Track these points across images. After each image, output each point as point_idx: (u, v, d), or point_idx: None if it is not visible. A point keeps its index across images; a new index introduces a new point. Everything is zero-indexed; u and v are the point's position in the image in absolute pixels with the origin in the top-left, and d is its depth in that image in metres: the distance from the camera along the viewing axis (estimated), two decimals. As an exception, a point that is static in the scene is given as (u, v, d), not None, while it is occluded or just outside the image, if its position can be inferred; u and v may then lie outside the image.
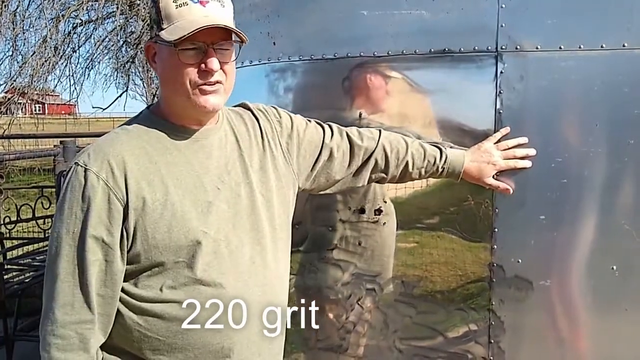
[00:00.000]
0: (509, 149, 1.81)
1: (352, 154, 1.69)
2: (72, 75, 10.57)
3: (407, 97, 2.03)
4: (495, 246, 1.94)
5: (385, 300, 2.09)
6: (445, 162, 1.76)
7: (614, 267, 1.86)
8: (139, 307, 1.37)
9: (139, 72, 15.38)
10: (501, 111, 1.90)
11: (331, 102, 2.07)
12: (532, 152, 1.78)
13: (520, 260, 1.93)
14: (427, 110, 2.01)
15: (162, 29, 1.34)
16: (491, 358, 1.99)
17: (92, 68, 11.55)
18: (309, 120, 1.69)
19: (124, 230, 1.32)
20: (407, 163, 1.73)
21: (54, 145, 4.78)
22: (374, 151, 1.70)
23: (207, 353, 1.39)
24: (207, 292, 1.37)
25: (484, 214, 1.94)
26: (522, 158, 1.83)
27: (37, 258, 4.43)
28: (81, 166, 1.31)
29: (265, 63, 2.17)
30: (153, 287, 1.36)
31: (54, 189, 4.50)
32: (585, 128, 1.87)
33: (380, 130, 1.76)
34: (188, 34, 1.31)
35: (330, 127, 1.71)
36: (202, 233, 1.36)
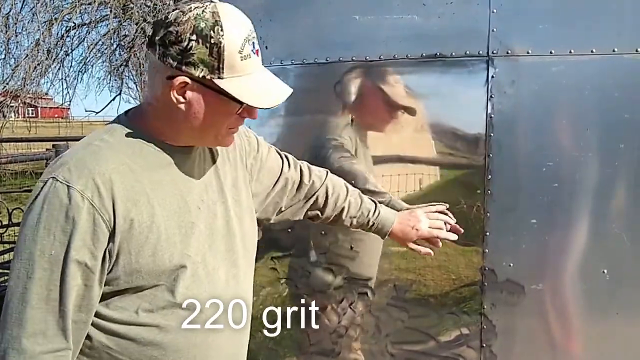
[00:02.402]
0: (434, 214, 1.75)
1: (299, 189, 1.67)
2: (65, 79, 10.54)
3: (398, 102, 2.03)
4: (487, 250, 1.94)
5: (378, 304, 2.09)
6: (376, 218, 1.70)
7: (605, 271, 1.87)
8: (109, 329, 1.29)
9: (133, 76, 15.36)
10: (492, 115, 1.91)
11: (323, 107, 2.08)
12: (452, 221, 1.73)
13: (511, 264, 1.93)
14: (419, 114, 2.01)
15: (221, 77, 1.24)
16: (483, 362, 2.00)
17: (85, 72, 11.51)
18: (270, 146, 1.66)
19: (107, 252, 1.23)
20: (342, 209, 1.70)
21: (46, 149, 4.75)
22: (317, 190, 1.67)
23: None
24: (184, 316, 1.33)
25: (476, 218, 1.94)
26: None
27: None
28: (62, 182, 1.18)
29: (257, 67, 2.17)
30: (127, 309, 1.29)
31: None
32: (576, 132, 1.88)
33: (327, 172, 1.72)
34: (269, 107, 1.30)
35: (288, 158, 1.67)
36: (186, 256, 1.31)
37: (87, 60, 11.04)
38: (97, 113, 14.75)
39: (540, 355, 1.95)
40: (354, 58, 2.01)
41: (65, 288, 1.19)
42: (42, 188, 1.20)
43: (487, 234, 1.94)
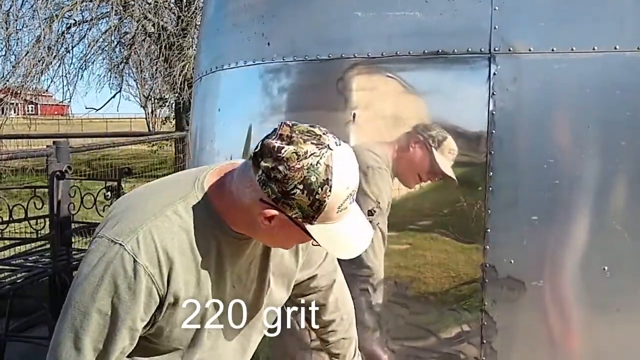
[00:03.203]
0: None
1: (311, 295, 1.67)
2: (66, 76, 10.54)
3: (400, 98, 2.04)
4: (488, 247, 1.95)
5: (378, 301, 2.09)
6: None
7: (606, 268, 1.87)
8: None
9: (133, 73, 15.39)
10: (494, 112, 1.91)
11: (325, 103, 2.08)
12: None
13: (512, 261, 1.93)
14: (420, 111, 2.02)
15: (312, 222, 1.23)
16: (483, 358, 2.00)
17: (85, 69, 11.51)
18: (335, 270, 1.66)
19: (152, 317, 1.32)
20: (327, 341, 1.73)
21: (47, 146, 4.75)
22: (327, 312, 1.68)
23: None
24: None
25: (477, 215, 1.94)
26: None
27: (30, 259, 4.41)
28: (129, 254, 1.24)
29: (259, 63, 2.18)
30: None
31: (46, 189, 4.48)
32: (578, 129, 1.89)
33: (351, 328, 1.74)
34: (340, 256, 1.32)
35: (333, 285, 1.66)
36: (207, 332, 1.39)
37: (88, 58, 11.04)
38: (97, 110, 14.81)
39: (540, 352, 1.95)
40: (355, 55, 2.02)
41: (113, 347, 1.29)
42: (108, 249, 1.26)
43: (488, 230, 1.94)
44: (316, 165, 1.17)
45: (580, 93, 1.88)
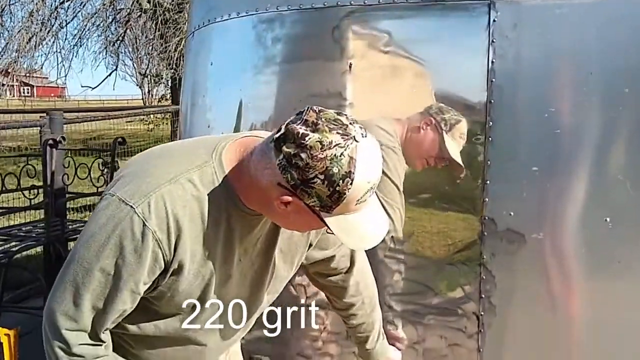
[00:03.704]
0: None
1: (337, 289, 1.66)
2: (60, 52, 10.41)
3: (397, 47, 1.98)
4: (487, 199, 1.90)
5: (375, 257, 2.05)
6: (369, 350, 1.78)
7: (607, 219, 1.83)
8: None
9: (129, 52, 15.25)
10: (494, 60, 1.86)
11: (320, 53, 2.03)
12: None
13: (512, 213, 1.89)
14: (418, 60, 1.96)
15: (329, 212, 1.19)
16: (482, 313, 1.96)
17: (81, 45, 11.38)
18: (354, 252, 1.63)
19: (155, 281, 1.30)
20: (355, 323, 1.73)
21: (40, 116, 4.69)
22: (348, 295, 1.68)
23: None
24: (184, 342, 1.43)
25: (476, 166, 1.90)
26: None
27: (23, 229, 4.37)
28: (139, 217, 1.21)
29: (252, 14, 2.11)
30: (133, 320, 1.38)
31: (39, 157, 4.42)
32: (580, 77, 1.83)
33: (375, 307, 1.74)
34: (354, 248, 1.33)
35: (352, 265, 1.64)
36: (211, 305, 1.38)
37: (82, 34, 10.92)
38: (93, 89, 14.67)
39: (540, 305, 1.92)
40: (352, 2, 1.96)
41: (112, 308, 1.28)
42: (118, 209, 1.23)
43: (488, 182, 1.90)
44: (340, 156, 1.14)
45: (582, 39, 1.82)
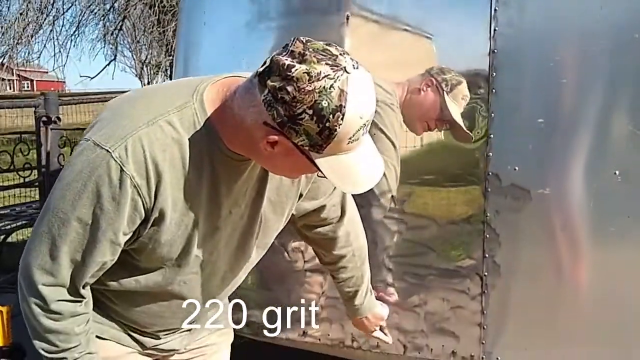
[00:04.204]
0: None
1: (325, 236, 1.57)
2: (57, 39, 10.27)
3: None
4: (491, 153, 1.83)
5: (375, 218, 1.98)
6: (358, 305, 1.68)
7: (617, 172, 1.75)
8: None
9: (128, 43, 15.14)
10: (497, 8, 1.78)
11: (316, 4, 1.95)
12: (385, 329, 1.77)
13: (516, 168, 1.82)
14: (418, 9, 1.88)
15: (319, 152, 1.11)
16: (485, 274, 1.89)
17: (78, 34, 11.26)
18: (345, 201, 1.53)
19: (135, 232, 1.22)
20: (343, 278, 1.64)
21: (31, 87, 4.61)
22: (338, 251, 1.59)
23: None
24: (168, 297, 1.36)
25: (479, 119, 1.82)
26: None
27: (17, 209, 4.30)
28: (116, 162, 1.13)
29: (245, -32, 2.04)
30: (113, 276, 1.31)
31: (33, 134, 4.35)
32: (586, 23, 1.75)
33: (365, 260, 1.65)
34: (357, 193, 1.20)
35: (343, 214, 1.54)
36: (195, 257, 1.30)
37: (80, 23, 10.82)
38: (92, 78, 14.57)
39: (546, 264, 1.84)
40: (348, -49, 1.88)
41: (91, 260, 1.20)
42: (93, 154, 1.14)
43: (492, 136, 1.82)
44: (329, 89, 1.04)
45: (590, -17, 1.74)
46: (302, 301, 2.13)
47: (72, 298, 1.24)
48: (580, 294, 1.86)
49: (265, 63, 1.09)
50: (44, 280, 1.20)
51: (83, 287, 1.25)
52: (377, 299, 1.76)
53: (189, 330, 1.49)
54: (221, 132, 1.19)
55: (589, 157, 1.78)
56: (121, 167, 1.13)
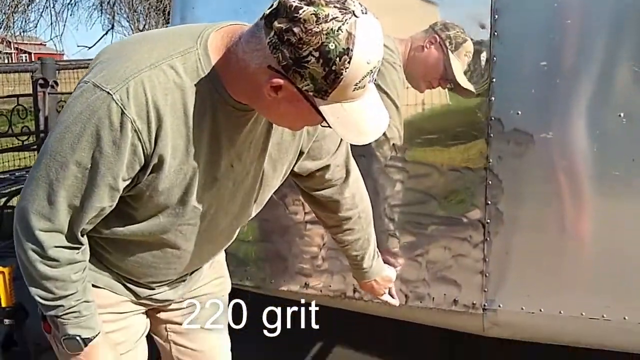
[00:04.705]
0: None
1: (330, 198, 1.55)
2: (53, 7, 10.12)
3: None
4: (493, 98, 1.79)
5: (376, 166, 1.95)
6: (365, 268, 1.70)
7: (622, 114, 1.71)
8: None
9: (125, 12, 14.98)
10: (500, -53, 1.73)
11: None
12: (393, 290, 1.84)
13: (519, 112, 1.78)
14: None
15: (324, 98, 1.08)
16: (488, 221, 1.87)
17: (75, 3, 11.10)
18: (349, 161, 1.52)
19: (135, 178, 1.20)
20: (349, 241, 1.64)
21: (32, 61, 4.56)
22: (344, 213, 1.58)
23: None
24: (163, 247, 1.34)
25: (480, 63, 1.78)
26: None
27: (16, 174, 4.28)
28: (117, 104, 1.10)
29: None
30: (109, 224, 1.29)
31: (30, 97, 4.31)
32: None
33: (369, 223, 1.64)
34: (360, 144, 1.17)
35: (348, 175, 1.53)
36: (193, 208, 1.27)
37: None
38: (89, 48, 14.45)
39: (550, 210, 1.82)
40: None
41: (90, 205, 1.18)
42: (93, 96, 1.11)
43: (494, 80, 1.78)
44: (337, 31, 1.02)
45: None
46: (303, 253, 2.12)
47: (69, 245, 1.22)
48: (582, 240, 1.84)
49: (272, 5, 1.07)
50: (41, 226, 1.18)
51: (81, 234, 1.23)
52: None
53: (184, 281, 1.48)
54: (224, 79, 1.17)
55: (593, 99, 1.74)
56: (122, 110, 1.10)
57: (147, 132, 1.13)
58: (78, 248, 1.24)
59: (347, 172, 1.52)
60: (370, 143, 1.87)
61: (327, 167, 1.47)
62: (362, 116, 1.11)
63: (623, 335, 1.82)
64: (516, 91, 1.79)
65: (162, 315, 1.56)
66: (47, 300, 1.25)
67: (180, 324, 1.57)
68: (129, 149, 1.13)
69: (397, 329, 2.27)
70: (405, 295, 2.00)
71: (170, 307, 1.54)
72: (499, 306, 1.91)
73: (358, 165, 1.64)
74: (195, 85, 1.15)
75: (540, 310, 1.88)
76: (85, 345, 1.29)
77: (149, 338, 1.54)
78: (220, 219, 1.35)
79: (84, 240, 1.25)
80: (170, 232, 1.30)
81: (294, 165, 1.42)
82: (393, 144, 1.93)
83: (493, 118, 1.80)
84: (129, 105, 1.11)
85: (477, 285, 1.92)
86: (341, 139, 1.44)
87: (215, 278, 1.61)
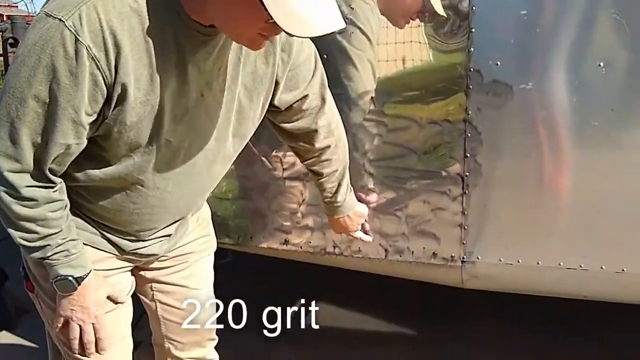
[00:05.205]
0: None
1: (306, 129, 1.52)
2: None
3: None
4: (472, 48, 1.76)
5: (354, 120, 1.92)
6: (337, 204, 1.69)
7: (601, 64, 1.70)
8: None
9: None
10: None
11: None
12: (367, 226, 1.87)
13: (499, 63, 1.76)
14: None
15: None
16: (467, 174, 1.86)
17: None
18: (324, 89, 1.48)
19: (101, 113, 1.16)
20: (323, 174, 1.62)
21: (2, 21, 4.42)
22: (319, 146, 1.56)
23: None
24: (143, 191, 1.30)
25: (460, 11, 1.75)
26: None
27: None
28: (70, 31, 1.06)
29: None
30: (82, 167, 1.25)
31: (0, 57, 4.19)
32: None
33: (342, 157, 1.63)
34: (303, 37, 1.15)
35: (324, 103, 1.50)
36: (166, 142, 1.23)
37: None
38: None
39: (528, 161, 1.82)
40: None
41: (53, 141, 1.14)
42: (45, 25, 1.07)
43: (473, 30, 1.75)
44: None
45: None
46: (283, 210, 2.10)
47: (40, 184, 1.19)
48: (561, 192, 1.84)
49: None
50: (8, 167, 1.15)
51: (51, 173, 1.20)
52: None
53: (169, 235, 1.46)
54: (187, 6, 1.14)
55: (573, 48, 1.72)
56: (76, 37, 1.07)
57: (106, 60, 1.09)
58: (52, 186, 1.21)
59: (323, 100, 1.50)
60: (349, 95, 1.89)
61: (305, 97, 1.45)
62: (308, 9, 1.07)
63: (600, 284, 1.84)
64: (495, 41, 1.76)
65: (148, 274, 1.54)
66: (31, 241, 1.23)
67: (166, 283, 1.56)
68: (88, 79, 1.10)
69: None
70: (385, 250, 2.00)
71: (156, 265, 1.53)
72: (478, 258, 1.92)
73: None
74: (153, 9, 1.12)
75: (519, 262, 1.89)
76: (79, 284, 1.28)
77: (134, 297, 1.52)
78: (197, 153, 1.31)
79: (57, 179, 1.22)
80: (147, 171, 1.26)
81: (273, 99, 1.40)
82: (372, 97, 1.90)
83: (472, 69, 1.77)
84: (82, 31, 1.07)
85: (456, 238, 1.92)
86: (316, 65, 1.43)
87: (201, 236, 1.60)
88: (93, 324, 1.33)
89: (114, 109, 1.15)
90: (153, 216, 1.37)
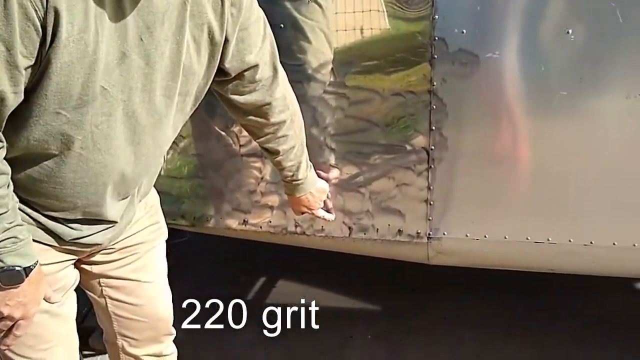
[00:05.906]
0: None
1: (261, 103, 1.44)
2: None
3: None
4: (437, 16, 1.67)
5: (314, 93, 1.82)
6: (298, 182, 1.62)
7: (570, 31, 1.63)
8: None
9: None
10: None
11: None
12: (330, 203, 1.82)
13: (464, 31, 1.68)
14: None
15: None
16: (432, 148, 1.79)
17: None
18: (275, 59, 1.40)
19: (36, 61, 1.05)
20: (280, 153, 1.55)
21: None
22: (274, 122, 1.49)
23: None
24: (84, 156, 1.17)
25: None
26: None
27: None
28: None
29: None
30: (19, 131, 1.12)
31: None
32: None
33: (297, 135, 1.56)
34: None
35: (276, 73, 1.42)
36: (101, 89, 1.11)
37: None
38: None
39: (495, 133, 1.76)
40: None
41: None
42: None
43: (437, -4, 1.66)
44: None
45: None
46: (240, 188, 2.00)
47: None
48: (528, 165, 1.79)
49: None
50: None
51: None
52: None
53: (113, 224, 1.34)
54: None
55: (540, 15, 1.65)
56: None
57: None
58: None
59: (275, 70, 1.42)
60: (305, 68, 1.78)
61: (257, 66, 1.37)
62: None
63: (568, 257, 1.81)
64: (461, 8, 1.68)
65: (95, 268, 1.41)
66: None
67: (116, 278, 1.44)
68: (18, 12, 1.00)
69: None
70: (349, 228, 1.93)
71: (102, 259, 1.40)
72: (444, 234, 1.87)
73: (295, 92, 1.53)
74: None
75: (485, 237, 1.84)
76: (27, 275, 1.15)
77: (78, 291, 1.41)
78: (139, 109, 1.19)
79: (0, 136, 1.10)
80: (83, 128, 1.13)
81: (224, 60, 1.30)
82: (332, 69, 1.80)
83: (437, 38, 1.69)
84: None
85: (422, 214, 1.86)
86: (265, 31, 1.36)
87: (150, 224, 1.48)
88: (20, 320, 1.19)
89: (48, 50, 1.04)
90: (98, 187, 1.22)
